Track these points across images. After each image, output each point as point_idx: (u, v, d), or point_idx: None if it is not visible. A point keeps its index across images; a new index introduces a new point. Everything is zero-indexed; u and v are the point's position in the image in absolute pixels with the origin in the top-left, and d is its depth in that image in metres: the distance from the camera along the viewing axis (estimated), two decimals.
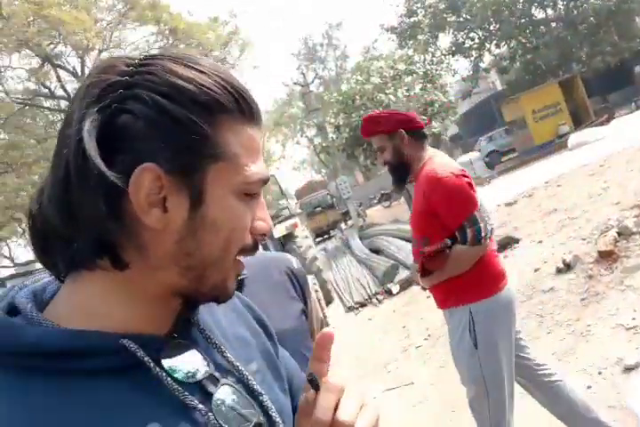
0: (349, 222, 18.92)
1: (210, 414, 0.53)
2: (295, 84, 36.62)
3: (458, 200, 1.89)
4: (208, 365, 0.57)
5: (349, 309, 7.15)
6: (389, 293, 6.92)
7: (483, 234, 1.88)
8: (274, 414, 0.58)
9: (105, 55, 16.50)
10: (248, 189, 0.54)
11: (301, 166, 55.41)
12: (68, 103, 8.09)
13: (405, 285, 6.85)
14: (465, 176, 1.92)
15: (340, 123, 13.15)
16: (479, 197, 1.93)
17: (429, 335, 4.72)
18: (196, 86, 0.50)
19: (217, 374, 0.57)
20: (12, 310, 0.52)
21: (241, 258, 0.57)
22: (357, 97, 12.99)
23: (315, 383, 0.53)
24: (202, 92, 0.50)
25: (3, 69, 15.99)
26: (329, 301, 7.89)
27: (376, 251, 9.64)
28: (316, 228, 19.90)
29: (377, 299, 6.94)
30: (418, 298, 6.01)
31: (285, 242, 8.67)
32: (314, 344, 0.56)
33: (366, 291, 7.42)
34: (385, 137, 2.08)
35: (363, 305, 7.06)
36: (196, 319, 0.61)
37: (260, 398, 0.59)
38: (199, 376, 0.55)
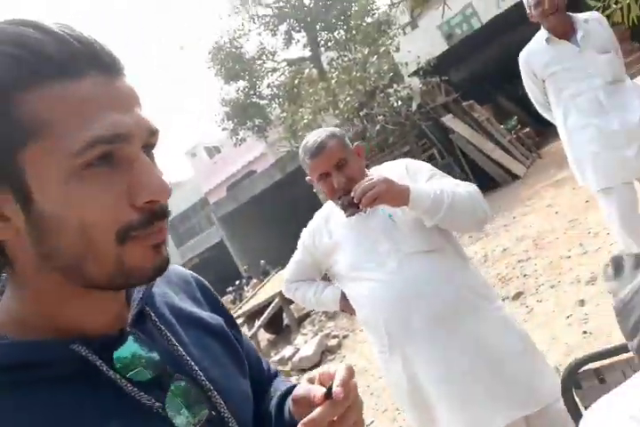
0: None
1: (165, 410, 0.52)
2: None
3: None
4: (162, 360, 0.55)
5: None
6: None
7: None
8: (222, 409, 0.58)
9: None
10: (83, 160, 0.44)
11: None
12: None
13: None
14: None
15: None
16: None
17: None
18: None
19: (170, 370, 0.56)
20: None
21: (147, 231, 0.48)
22: None
23: (329, 392, 0.56)
24: None
25: None
26: None
27: None
28: None
29: None
30: None
31: None
32: (342, 371, 0.58)
33: None
34: None
35: None
36: (148, 310, 0.58)
37: (209, 393, 0.57)
38: (152, 373, 0.54)
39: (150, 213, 0.48)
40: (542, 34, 2.75)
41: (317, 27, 15.10)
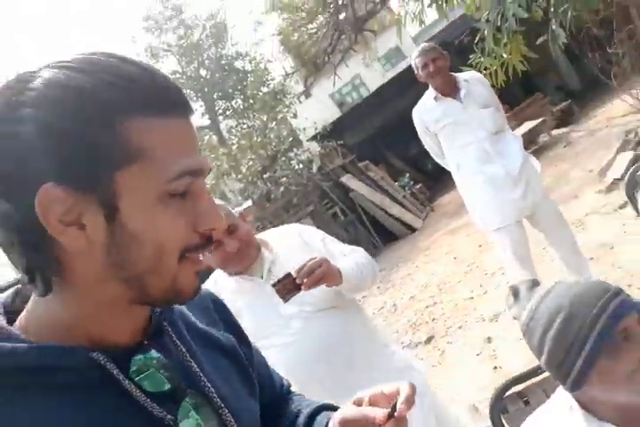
0: None
1: (176, 423, 0.54)
2: None
3: None
4: (176, 374, 0.57)
5: None
6: None
7: None
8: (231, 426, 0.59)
9: None
10: (173, 188, 0.50)
11: None
12: None
13: None
14: None
15: None
16: None
17: None
18: (80, 93, 0.46)
19: (183, 385, 0.57)
20: None
21: (198, 255, 0.55)
22: None
23: (393, 411, 0.61)
24: (90, 97, 0.46)
25: None
26: None
27: None
28: None
29: None
30: None
31: None
32: (406, 389, 0.65)
33: None
34: None
35: None
36: (166, 325, 0.61)
37: (220, 410, 0.59)
38: (167, 387, 0.55)
39: (206, 238, 0.54)
40: (430, 93, 3.04)
41: (215, 96, 15.51)
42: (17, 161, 0.46)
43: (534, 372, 1.31)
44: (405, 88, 9.75)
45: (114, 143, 0.47)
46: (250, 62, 15.69)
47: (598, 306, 0.94)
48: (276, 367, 1.42)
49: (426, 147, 3.25)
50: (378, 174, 11.09)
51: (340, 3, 10.19)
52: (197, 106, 15.84)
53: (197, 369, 0.60)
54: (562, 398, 1.05)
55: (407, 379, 1.47)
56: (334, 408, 0.75)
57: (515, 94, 11.95)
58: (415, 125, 3.15)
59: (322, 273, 1.32)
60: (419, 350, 4.05)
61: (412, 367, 1.59)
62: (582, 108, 10.93)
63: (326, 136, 11.22)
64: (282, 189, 8.58)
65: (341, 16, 10.56)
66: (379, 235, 9.71)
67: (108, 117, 0.47)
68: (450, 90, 2.97)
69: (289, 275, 1.35)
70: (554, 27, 3.31)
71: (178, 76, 15.56)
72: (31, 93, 0.46)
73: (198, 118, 15.54)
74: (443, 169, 3.31)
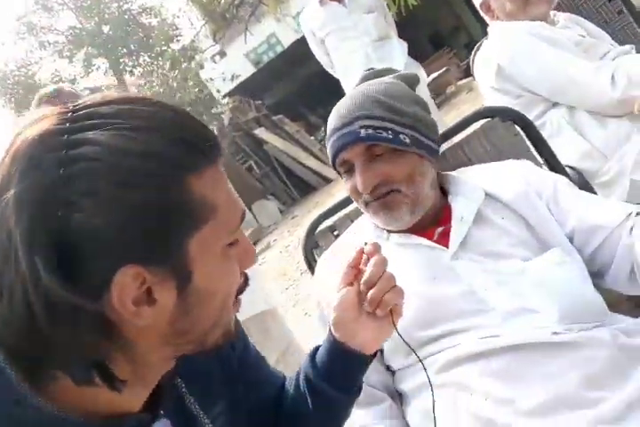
0: None
1: None
2: None
3: None
4: None
5: None
6: None
7: None
8: None
9: None
10: (233, 237, 0.50)
11: None
12: None
13: None
14: None
15: None
16: None
17: None
18: (145, 157, 0.42)
19: None
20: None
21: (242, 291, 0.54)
22: None
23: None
24: (153, 162, 0.42)
25: None
26: None
27: None
28: None
29: None
30: None
31: None
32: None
33: None
34: None
35: None
36: (184, 392, 0.59)
37: None
38: None
39: (246, 276, 0.54)
40: None
41: (119, 54, 14.59)
42: (86, 240, 0.40)
43: (343, 204, 1.28)
44: None
45: (184, 206, 0.44)
46: (155, 17, 14.83)
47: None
48: None
49: (316, 56, 3.15)
50: (293, 128, 10.96)
51: None
52: (100, 63, 14.87)
53: None
54: (362, 220, 1.07)
55: None
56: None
57: (426, 50, 12.15)
58: (303, 32, 3.06)
59: None
60: None
61: None
62: None
63: (243, 95, 10.90)
64: None
65: None
66: (295, 187, 9.65)
67: (177, 179, 0.43)
68: None
69: None
70: None
71: (77, 31, 14.48)
72: (89, 165, 0.40)
73: (102, 76, 14.65)
74: None
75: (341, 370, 0.68)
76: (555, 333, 0.79)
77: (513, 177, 0.98)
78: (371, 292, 0.66)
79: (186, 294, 0.46)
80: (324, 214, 1.30)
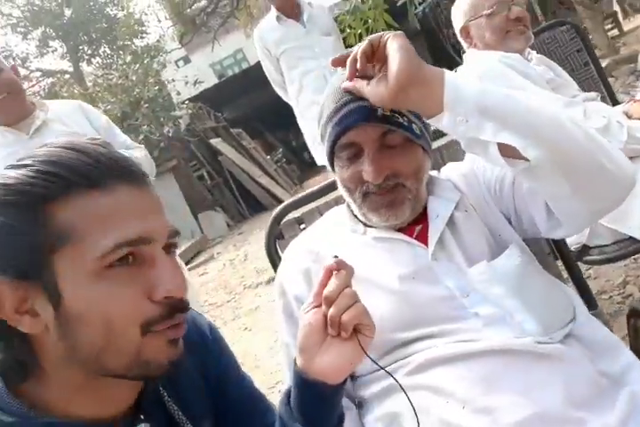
0: None
1: None
2: None
3: None
4: None
5: None
6: None
7: None
8: None
9: None
10: (108, 262, 0.49)
11: None
12: None
13: None
14: None
15: None
16: None
17: None
18: (5, 189, 0.48)
19: None
20: None
21: (165, 326, 0.53)
22: None
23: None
24: (11, 193, 0.48)
25: None
26: None
27: None
28: None
29: None
30: None
31: None
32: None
33: None
34: None
35: None
36: (168, 399, 0.61)
37: None
38: None
39: (170, 306, 0.53)
40: (273, 13, 2.82)
41: (79, 40, 13.83)
42: None
43: (311, 196, 1.23)
44: None
45: (41, 230, 0.48)
46: (122, 9, 14.22)
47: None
48: None
49: (267, 75, 3.00)
50: (250, 144, 10.68)
51: None
52: (57, 45, 14.07)
53: None
54: (335, 211, 1.04)
55: None
56: None
57: None
58: (256, 48, 2.92)
59: None
60: (261, 288, 4.17)
61: None
62: None
63: (204, 104, 10.54)
64: (141, 137, 7.74)
65: None
66: (245, 203, 9.29)
67: (29, 207, 0.48)
68: (291, 10, 2.82)
69: None
70: None
71: (36, 9, 13.57)
72: None
73: (58, 61, 13.83)
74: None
75: (310, 405, 0.64)
76: (539, 342, 0.78)
77: (470, 178, 0.98)
78: (329, 311, 0.63)
79: (61, 311, 0.49)
80: (291, 204, 1.22)
